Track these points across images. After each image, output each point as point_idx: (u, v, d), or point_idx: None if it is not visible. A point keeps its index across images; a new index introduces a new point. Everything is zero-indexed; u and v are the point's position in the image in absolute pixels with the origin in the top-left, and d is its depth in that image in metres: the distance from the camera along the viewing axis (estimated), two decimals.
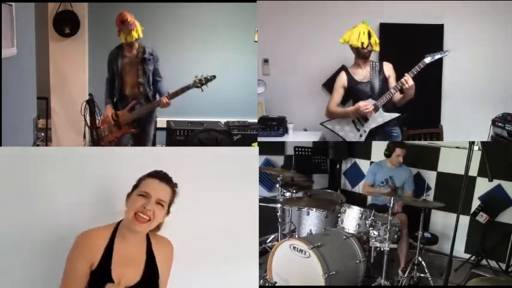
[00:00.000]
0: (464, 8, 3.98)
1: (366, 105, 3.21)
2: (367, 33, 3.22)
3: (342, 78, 3.37)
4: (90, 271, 1.63)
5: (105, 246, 1.66)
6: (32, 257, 1.92)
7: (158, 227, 1.81)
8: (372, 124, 3.29)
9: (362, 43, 3.21)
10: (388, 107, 3.28)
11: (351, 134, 3.36)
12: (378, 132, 3.34)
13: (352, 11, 4.01)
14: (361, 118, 3.31)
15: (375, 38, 3.27)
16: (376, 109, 3.23)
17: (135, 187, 1.74)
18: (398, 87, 3.17)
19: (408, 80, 3.10)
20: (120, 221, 1.75)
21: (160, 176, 1.75)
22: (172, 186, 1.77)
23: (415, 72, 3.11)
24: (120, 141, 3.69)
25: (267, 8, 4.12)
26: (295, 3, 4.15)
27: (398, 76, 3.28)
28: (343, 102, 3.47)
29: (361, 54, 3.28)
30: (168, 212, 1.78)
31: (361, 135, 3.33)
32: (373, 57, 3.41)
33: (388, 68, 3.35)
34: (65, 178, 1.97)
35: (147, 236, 1.78)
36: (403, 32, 4.06)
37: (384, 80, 3.31)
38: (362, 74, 3.33)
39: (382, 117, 3.26)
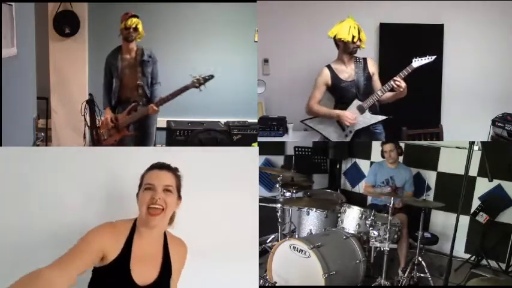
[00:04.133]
0: (464, 8, 3.98)
1: (352, 119, 3.15)
2: (357, 28, 3.13)
3: (325, 75, 3.26)
4: (99, 259, 1.58)
5: (125, 241, 1.63)
6: (31, 257, 1.92)
7: (172, 220, 1.78)
8: (358, 126, 3.22)
9: (353, 36, 3.10)
10: (372, 106, 3.23)
11: (335, 134, 3.30)
12: (363, 131, 3.28)
13: (352, 11, 3.99)
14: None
15: (363, 34, 3.17)
16: (362, 111, 3.18)
17: (140, 185, 1.74)
18: (387, 89, 3.09)
19: (401, 83, 3.03)
20: (136, 218, 1.73)
21: (159, 165, 1.75)
22: (174, 170, 1.76)
23: (404, 75, 3.04)
24: (119, 144, 3.63)
25: (267, 8, 4.12)
26: (295, 3, 4.15)
27: (382, 73, 3.22)
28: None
29: (348, 50, 3.17)
30: (179, 197, 1.77)
31: (346, 136, 3.28)
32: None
33: (372, 65, 3.28)
34: (65, 178, 1.97)
35: (165, 234, 1.77)
36: (403, 32, 4.07)
37: (368, 78, 3.24)
38: (346, 71, 3.24)
39: (369, 119, 3.21)
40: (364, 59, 3.26)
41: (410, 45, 3.93)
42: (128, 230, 1.67)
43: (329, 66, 3.29)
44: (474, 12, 3.99)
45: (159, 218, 1.65)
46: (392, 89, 3.11)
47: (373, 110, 3.25)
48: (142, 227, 1.69)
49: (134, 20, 3.51)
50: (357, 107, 3.20)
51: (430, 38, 4.03)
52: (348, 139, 3.30)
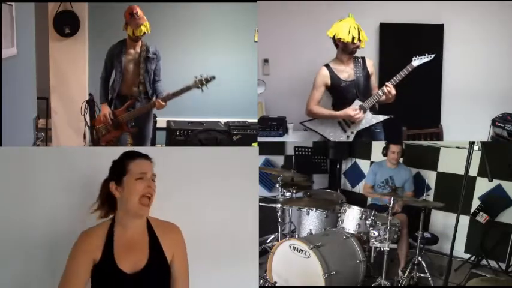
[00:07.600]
0: (464, 8, 3.99)
1: (357, 113, 3.11)
2: (357, 28, 3.08)
3: (324, 75, 3.19)
4: (92, 267, 1.65)
5: (105, 239, 1.68)
6: (31, 256, 1.92)
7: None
8: (359, 126, 3.20)
9: (353, 37, 3.04)
10: (372, 106, 3.20)
11: (335, 135, 3.26)
12: (364, 132, 3.24)
13: (352, 11, 3.99)
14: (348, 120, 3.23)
15: (363, 34, 3.11)
16: (363, 111, 3.15)
17: (120, 172, 1.71)
18: (383, 92, 3.07)
19: (391, 90, 3.02)
20: (114, 216, 1.76)
21: (141, 154, 1.76)
22: (151, 159, 1.78)
23: (398, 80, 3.02)
24: (118, 141, 3.64)
25: (267, 8, 4.12)
26: (295, 3, 4.15)
27: (382, 73, 3.20)
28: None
29: (347, 50, 3.12)
30: None
31: (348, 137, 3.24)
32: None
33: (370, 65, 3.25)
34: (65, 178, 1.97)
35: (147, 220, 1.79)
36: (403, 32, 4.07)
37: (367, 77, 3.21)
38: (346, 71, 3.18)
39: (370, 119, 3.19)
40: (363, 58, 3.22)
41: (410, 45, 3.93)
42: (107, 228, 1.72)
43: (327, 66, 3.22)
44: (474, 12, 3.98)
45: (148, 208, 1.71)
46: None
47: (373, 111, 3.24)
48: (126, 217, 1.71)
49: (143, 29, 3.44)
50: (359, 108, 3.17)
51: (430, 38, 4.03)
52: (350, 140, 3.28)
